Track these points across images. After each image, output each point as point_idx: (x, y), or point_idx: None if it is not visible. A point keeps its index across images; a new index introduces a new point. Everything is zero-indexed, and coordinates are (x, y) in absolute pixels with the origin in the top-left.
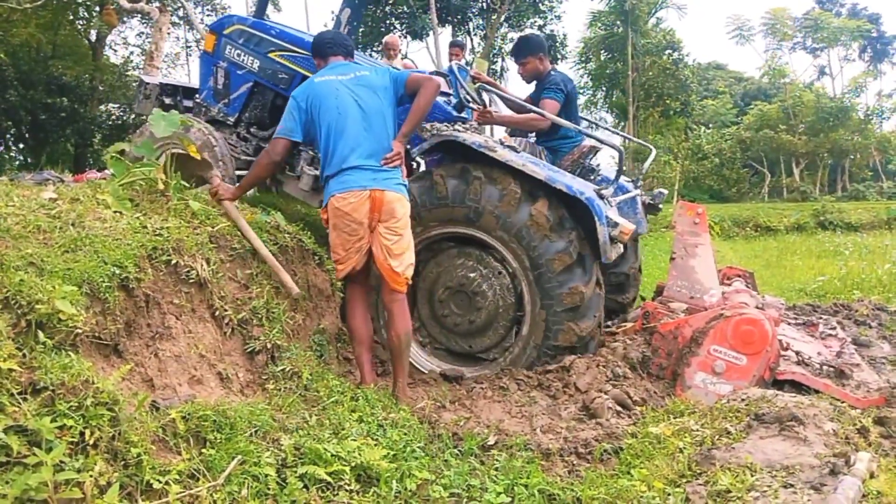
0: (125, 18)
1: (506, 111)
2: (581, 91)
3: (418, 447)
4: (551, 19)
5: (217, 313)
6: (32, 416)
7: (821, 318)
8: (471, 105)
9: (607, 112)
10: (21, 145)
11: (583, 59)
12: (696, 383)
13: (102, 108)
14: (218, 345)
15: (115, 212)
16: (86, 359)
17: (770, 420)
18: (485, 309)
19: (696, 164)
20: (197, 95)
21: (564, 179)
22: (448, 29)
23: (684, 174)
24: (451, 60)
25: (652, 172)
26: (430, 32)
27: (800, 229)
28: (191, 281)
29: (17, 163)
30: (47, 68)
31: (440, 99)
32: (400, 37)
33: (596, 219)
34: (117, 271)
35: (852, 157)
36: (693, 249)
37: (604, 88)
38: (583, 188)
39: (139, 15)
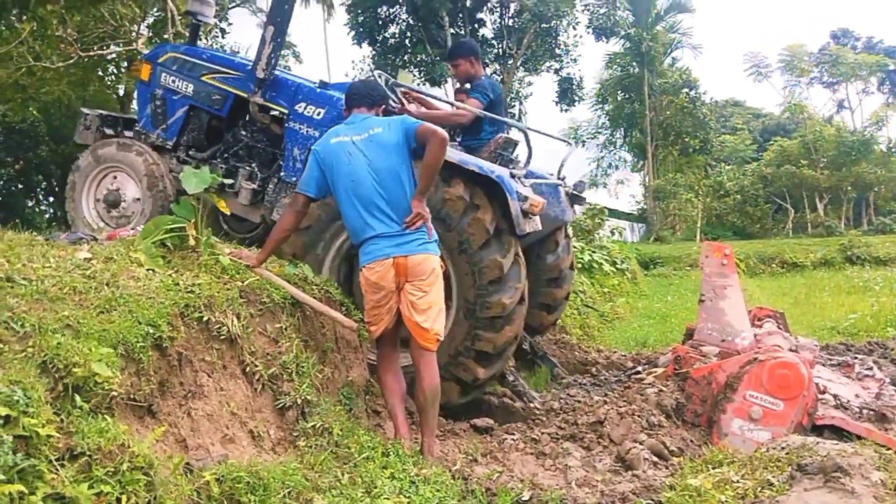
0: None
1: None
2: (599, 132)
3: None
4: (567, 62)
5: (248, 369)
6: (70, 483)
7: (856, 357)
8: (392, 106)
9: (627, 152)
10: (51, 199)
11: (600, 100)
12: (732, 430)
13: None
14: (249, 401)
15: (147, 269)
16: (121, 421)
17: (813, 471)
18: None
19: (718, 201)
20: (136, 124)
21: (477, 161)
22: None
23: (706, 212)
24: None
25: (674, 210)
26: (449, 79)
27: (827, 264)
28: (222, 337)
29: (48, 216)
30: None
31: None
32: (420, 84)
33: (507, 195)
34: (151, 331)
35: (876, 189)
36: (722, 291)
37: (622, 129)
38: (493, 168)
39: None
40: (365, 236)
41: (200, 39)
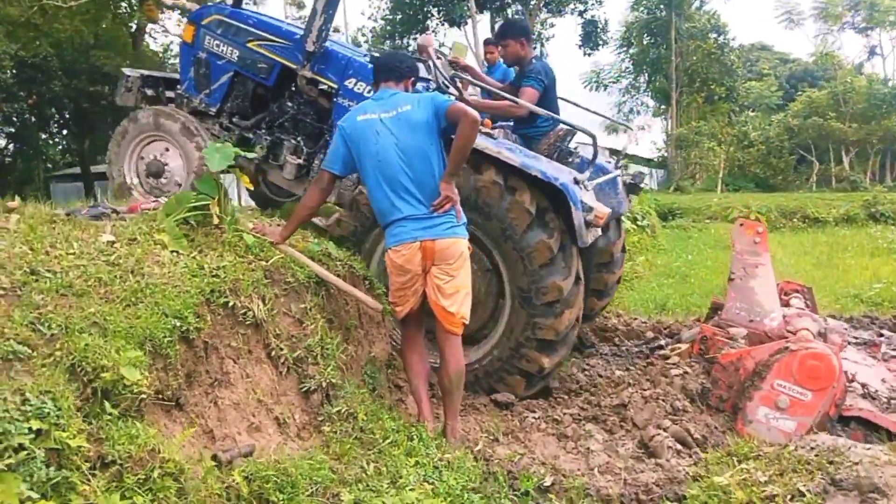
0: (165, 12)
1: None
2: (622, 75)
3: (474, 491)
4: (592, 4)
5: (273, 353)
6: (102, 493)
7: (881, 332)
8: (448, 91)
9: (649, 97)
10: (65, 132)
11: (624, 43)
12: (758, 418)
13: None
14: (274, 386)
15: (172, 251)
16: (150, 419)
17: (849, 487)
18: None
19: (742, 151)
20: (178, 86)
21: (539, 165)
22: (486, 16)
23: (728, 162)
24: (486, 57)
25: (695, 159)
26: (469, 20)
27: (849, 221)
28: (248, 322)
29: (60, 147)
30: (89, 58)
31: (419, 85)
32: (438, 23)
33: (571, 204)
34: (178, 323)
35: None
36: (753, 270)
37: (646, 74)
38: (557, 174)
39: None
40: (392, 218)
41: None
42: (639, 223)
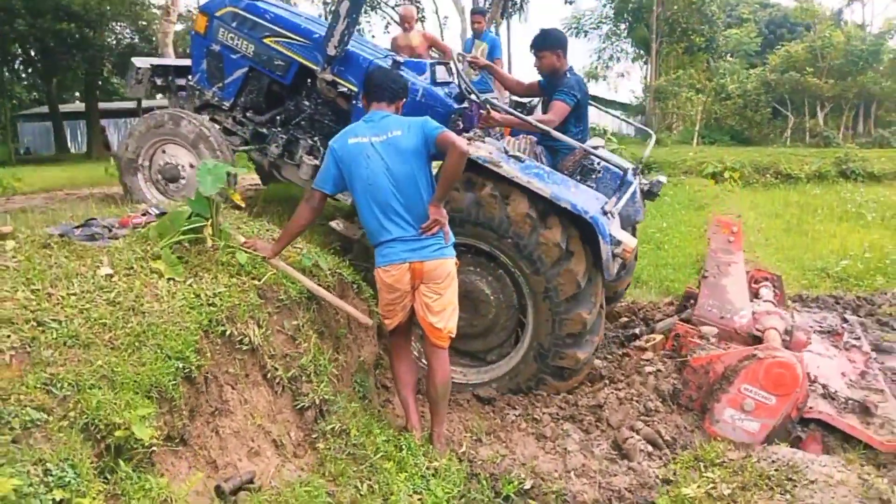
0: None
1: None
2: (603, 21)
3: (459, 498)
4: None
5: (268, 374)
6: None
7: (844, 317)
8: (471, 96)
9: (630, 45)
10: (30, 70)
11: None
12: (724, 418)
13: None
14: (270, 407)
15: (168, 279)
16: (158, 462)
17: None
18: (488, 315)
19: (719, 103)
20: (189, 77)
21: (569, 196)
22: None
23: (706, 114)
24: (473, 27)
25: (672, 109)
26: None
27: (821, 178)
28: (244, 348)
29: (25, 83)
30: None
31: (440, 91)
32: None
33: (600, 238)
34: (181, 365)
35: (879, 101)
36: (726, 268)
37: (627, 21)
38: (587, 206)
39: None
40: (381, 239)
41: None
42: None
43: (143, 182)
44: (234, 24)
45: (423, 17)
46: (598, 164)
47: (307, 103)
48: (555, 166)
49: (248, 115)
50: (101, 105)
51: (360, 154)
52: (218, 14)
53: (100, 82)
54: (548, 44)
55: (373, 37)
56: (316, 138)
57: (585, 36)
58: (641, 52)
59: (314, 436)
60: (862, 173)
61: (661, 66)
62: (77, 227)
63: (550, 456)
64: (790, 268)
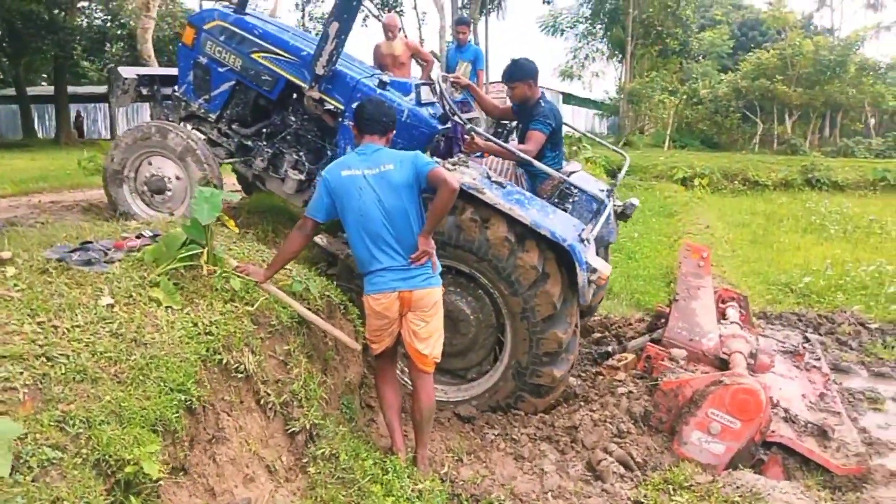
0: None
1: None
2: (579, 21)
3: None
4: None
5: (261, 400)
6: None
7: (806, 335)
8: (453, 118)
9: (605, 45)
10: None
11: None
12: (692, 440)
13: (82, 6)
14: (263, 432)
15: (166, 308)
16: (164, 496)
17: None
18: (468, 335)
19: (691, 108)
20: (176, 88)
21: (548, 224)
22: None
23: (678, 118)
24: (456, 37)
25: (644, 111)
26: None
27: (787, 186)
28: (239, 376)
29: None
30: None
31: (424, 111)
32: None
33: (577, 265)
34: (182, 397)
35: (845, 110)
36: (696, 292)
37: (603, 23)
38: (565, 234)
39: None
40: (372, 268)
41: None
42: None
43: (128, 193)
44: (222, 38)
45: (402, 11)
46: (575, 188)
47: (293, 118)
48: (534, 190)
49: (233, 127)
50: (71, 89)
51: (352, 186)
52: (206, 27)
53: (70, 66)
54: (519, 75)
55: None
56: (301, 153)
57: (562, 34)
58: (616, 52)
59: (304, 460)
60: (827, 182)
61: (635, 68)
62: (73, 252)
63: (528, 476)
64: (755, 282)
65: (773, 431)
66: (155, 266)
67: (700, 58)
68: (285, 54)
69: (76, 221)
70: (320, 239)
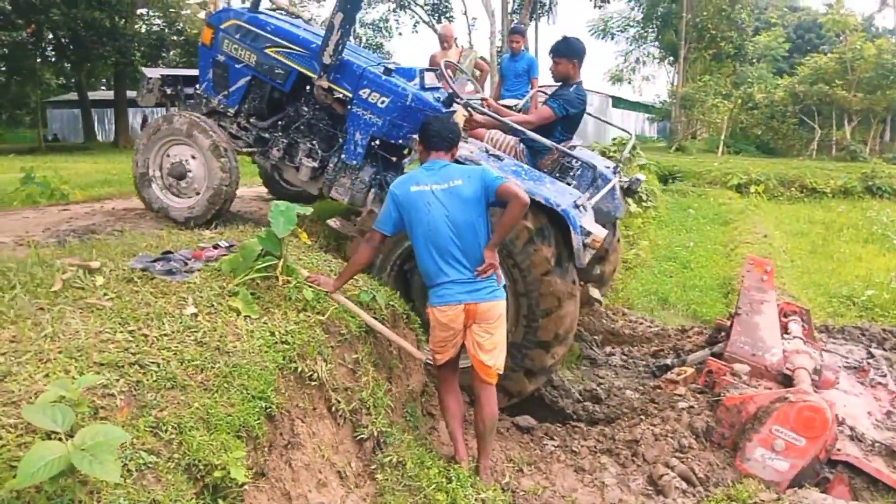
0: None
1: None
2: (630, 24)
3: None
4: None
5: (332, 408)
6: None
7: (870, 350)
8: (457, 100)
9: (656, 48)
10: (60, 57)
11: None
12: (755, 457)
13: (141, 13)
14: (333, 437)
15: (245, 317)
16: (247, 499)
17: None
18: None
19: (746, 113)
20: (197, 86)
21: (543, 191)
22: None
23: (732, 122)
24: (510, 46)
25: (697, 115)
26: None
27: (847, 193)
28: (313, 383)
29: (53, 70)
30: None
31: (428, 95)
32: None
33: (571, 229)
34: (263, 405)
35: None
36: (759, 306)
37: (656, 27)
38: (560, 199)
39: None
40: (438, 281)
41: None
42: (644, 203)
43: (158, 191)
44: (237, 36)
45: (452, 17)
46: (576, 162)
47: (306, 109)
48: (535, 164)
49: (251, 120)
50: (129, 94)
51: (420, 201)
52: (223, 26)
53: (130, 72)
54: (565, 51)
55: (400, 34)
56: (314, 141)
57: (612, 38)
58: (669, 55)
59: (373, 467)
60: (888, 190)
61: (688, 72)
62: (155, 261)
63: (589, 489)
64: (816, 294)
65: (838, 450)
66: (232, 276)
67: (754, 61)
68: (296, 47)
69: (151, 230)
70: (333, 221)
